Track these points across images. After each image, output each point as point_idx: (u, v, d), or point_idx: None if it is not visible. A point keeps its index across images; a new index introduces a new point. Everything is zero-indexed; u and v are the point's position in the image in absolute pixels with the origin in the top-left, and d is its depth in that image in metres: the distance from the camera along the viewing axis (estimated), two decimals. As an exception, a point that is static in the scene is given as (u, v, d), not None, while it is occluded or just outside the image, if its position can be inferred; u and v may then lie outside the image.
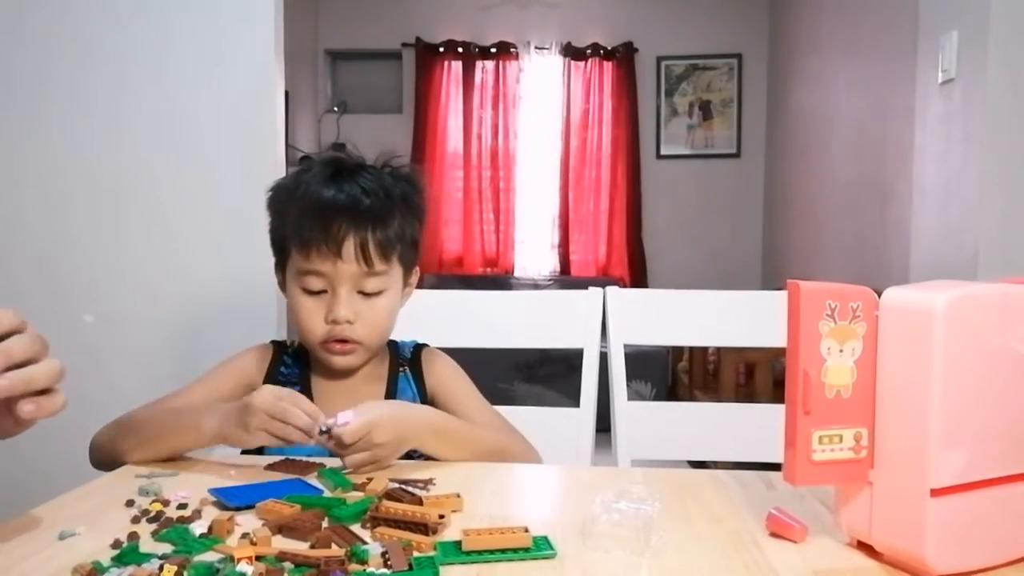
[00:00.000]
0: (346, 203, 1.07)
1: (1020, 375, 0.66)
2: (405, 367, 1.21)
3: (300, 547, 0.71)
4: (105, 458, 1.04)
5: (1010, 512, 0.68)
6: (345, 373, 1.16)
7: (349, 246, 1.07)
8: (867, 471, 0.69)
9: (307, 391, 1.15)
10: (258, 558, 0.68)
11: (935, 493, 0.65)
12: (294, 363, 1.19)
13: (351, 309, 1.09)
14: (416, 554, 0.70)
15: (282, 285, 1.17)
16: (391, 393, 1.18)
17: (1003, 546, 0.68)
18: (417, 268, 1.20)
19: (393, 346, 1.22)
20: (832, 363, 0.68)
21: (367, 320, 1.10)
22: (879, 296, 0.68)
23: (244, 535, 0.74)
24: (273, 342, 1.22)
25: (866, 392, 0.68)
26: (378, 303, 1.11)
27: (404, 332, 1.25)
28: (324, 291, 1.09)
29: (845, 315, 0.68)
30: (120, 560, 0.69)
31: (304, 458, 1.00)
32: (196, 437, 0.99)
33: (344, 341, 1.10)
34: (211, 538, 0.74)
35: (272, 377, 1.16)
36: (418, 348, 1.24)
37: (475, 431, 1.10)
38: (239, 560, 0.66)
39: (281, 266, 1.16)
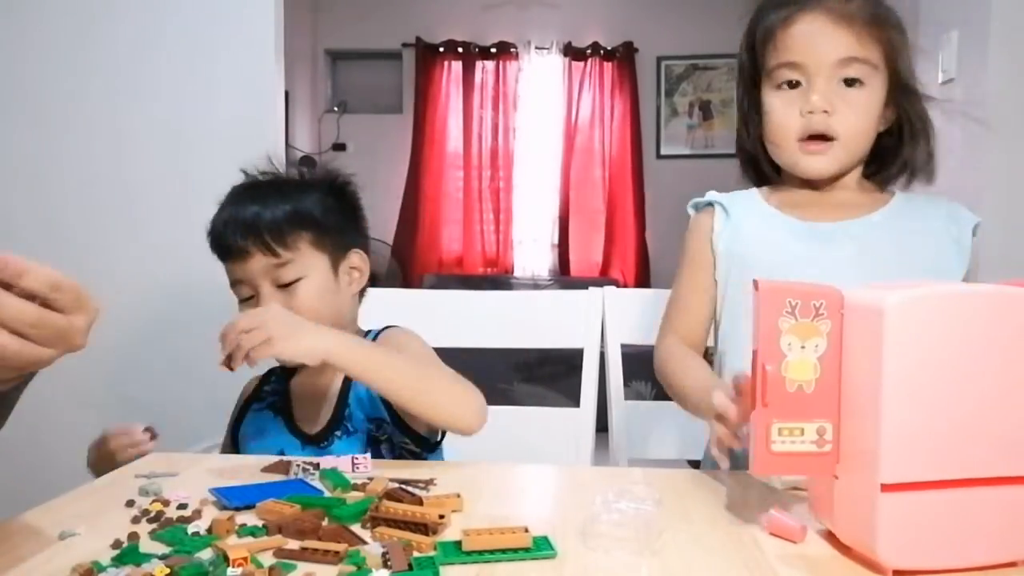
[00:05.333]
0: (236, 212, 1.16)
1: (979, 378, 0.66)
2: None
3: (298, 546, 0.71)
4: None
5: (971, 516, 0.67)
6: (314, 368, 1.17)
7: (250, 245, 1.12)
8: (834, 465, 0.70)
9: (285, 388, 1.25)
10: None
11: (886, 488, 0.65)
12: (282, 374, 1.26)
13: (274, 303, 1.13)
14: (416, 554, 0.70)
15: None
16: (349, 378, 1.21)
17: (964, 550, 0.67)
18: (358, 252, 1.22)
19: (363, 334, 1.25)
20: (792, 358, 0.69)
21: (295, 309, 1.11)
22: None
23: (242, 525, 0.74)
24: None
25: (831, 388, 0.70)
26: (299, 291, 1.14)
27: (404, 332, 1.25)
28: (251, 297, 1.15)
29: (807, 312, 0.69)
30: (120, 560, 0.69)
31: (298, 458, 1.00)
32: None
33: None
34: (204, 536, 0.74)
35: (256, 394, 1.28)
36: (384, 330, 1.25)
37: (399, 354, 1.10)
38: (233, 562, 0.66)
39: None
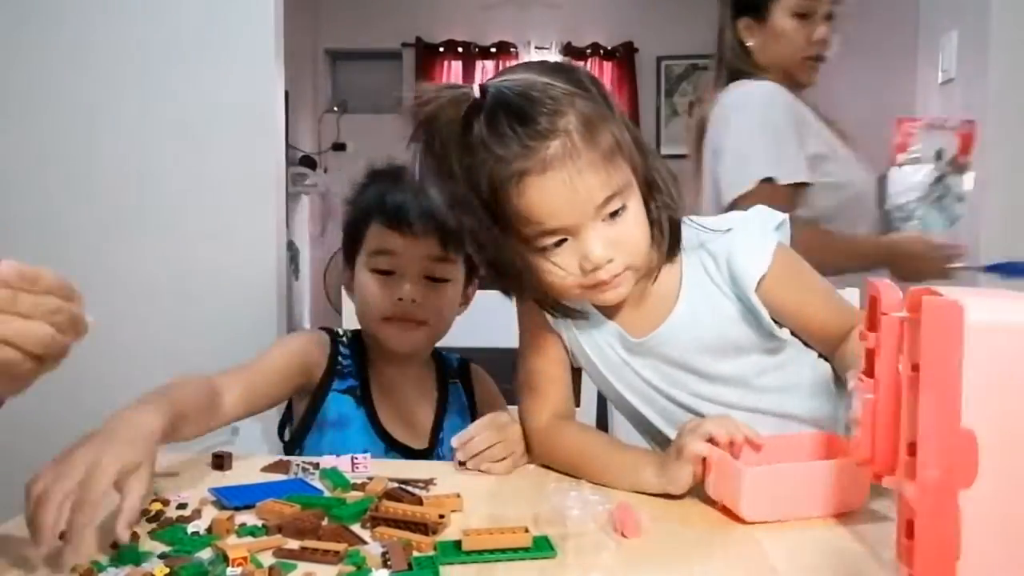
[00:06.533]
0: (425, 195, 1.09)
1: None
2: (456, 379, 1.24)
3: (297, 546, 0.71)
4: None
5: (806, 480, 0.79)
6: (400, 371, 1.18)
7: (427, 228, 1.11)
8: None
9: (366, 389, 1.17)
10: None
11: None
12: (351, 353, 1.20)
13: (418, 289, 1.12)
14: (416, 554, 0.70)
15: (348, 283, 1.20)
16: (442, 401, 1.21)
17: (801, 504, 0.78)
18: (476, 283, 1.22)
19: (438, 356, 1.25)
20: None
21: (432, 303, 1.13)
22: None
23: (241, 525, 0.74)
24: (324, 329, 1.22)
25: None
26: (443, 290, 1.15)
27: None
28: (392, 272, 1.13)
29: None
30: (119, 560, 0.68)
31: (298, 458, 1.00)
32: None
33: (408, 320, 1.13)
34: (203, 536, 0.74)
35: (333, 363, 1.17)
36: (464, 361, 1.27)
37: None
38: (233, 562, 0.66)
39: (351, 260, 1.18)
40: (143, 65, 1.99)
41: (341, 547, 0.70)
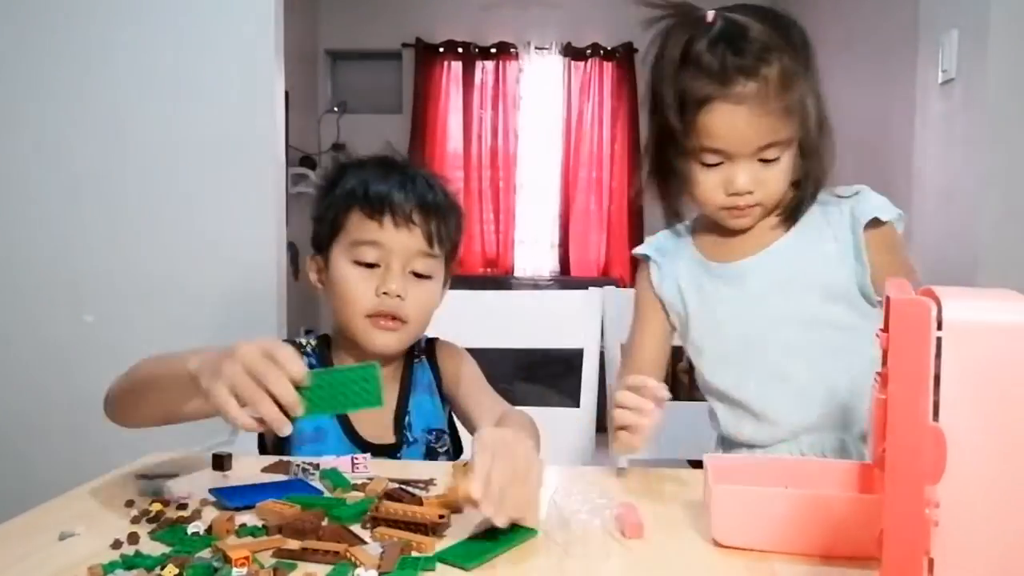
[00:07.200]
0: (412, 187, 1.11)
1: None
2: (421, 356, 1.21)
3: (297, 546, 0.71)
4: (115, 413, 0.99)
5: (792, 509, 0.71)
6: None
7: (415, 218, 1.09)
8: None
9: None
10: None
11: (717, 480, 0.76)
12: (318, 362, 1.16)
13: (402, 285, 1.09)
14: (416, 554, 0.70)
15: (318, 273, 1.16)
16: (407, 380, 1.17)
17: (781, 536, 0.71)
18: (449, 284, 1.20)
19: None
20: None
21: (416, 299, 1.10)
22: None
23: (242, 525, 0.74)
24: (287, 341, 1.14)
25: None
26: (427, 286, 1.12)
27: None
28: (376, 265, 1.09)
29: None
30: (128, 564, 0.68)
31: (298, 458, 0.99)
32: (182, 382, 0.81)
33: (391, 318, 1.09)
34: (203, 536, 0.74)
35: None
36: (431, 340, 1.25)
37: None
38: (236, 562, 0.66)
39: (323, 248, 1.14)
40: (143, 66, 2.00)
41: (341, 547, 0.70)
